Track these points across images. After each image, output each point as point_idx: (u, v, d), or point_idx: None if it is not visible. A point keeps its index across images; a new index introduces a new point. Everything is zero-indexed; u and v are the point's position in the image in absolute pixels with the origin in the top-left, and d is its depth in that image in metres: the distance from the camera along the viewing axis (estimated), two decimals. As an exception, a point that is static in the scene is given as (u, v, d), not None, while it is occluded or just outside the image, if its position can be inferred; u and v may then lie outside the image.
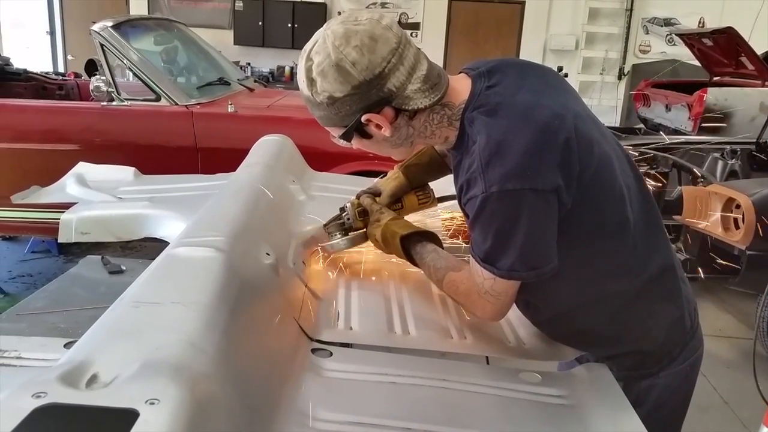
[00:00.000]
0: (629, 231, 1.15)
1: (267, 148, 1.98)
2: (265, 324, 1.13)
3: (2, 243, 4.91)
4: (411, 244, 1.37)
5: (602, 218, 1.13)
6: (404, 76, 1.08)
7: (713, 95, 4.96)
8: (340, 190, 1.90)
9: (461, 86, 1.15)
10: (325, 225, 1.54)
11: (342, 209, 1.52)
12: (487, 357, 1.29)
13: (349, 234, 1.50)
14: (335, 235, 1.51)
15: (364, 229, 1.49)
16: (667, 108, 5.39)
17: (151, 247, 2.04)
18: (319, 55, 1.06)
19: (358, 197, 1.53)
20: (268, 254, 1.29)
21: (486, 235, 1.09)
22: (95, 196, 1.91)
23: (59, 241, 1.73)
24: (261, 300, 1.16)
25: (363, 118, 1.10)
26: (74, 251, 4.77)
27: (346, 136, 1.15)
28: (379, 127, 1.12)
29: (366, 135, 1.15)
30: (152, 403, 0.66)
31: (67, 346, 1.18)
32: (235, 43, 8.83)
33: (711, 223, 3.07)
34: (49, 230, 3.80)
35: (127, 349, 0.80)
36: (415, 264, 1.38)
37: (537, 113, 1.06)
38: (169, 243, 1.64)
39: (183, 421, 0.66)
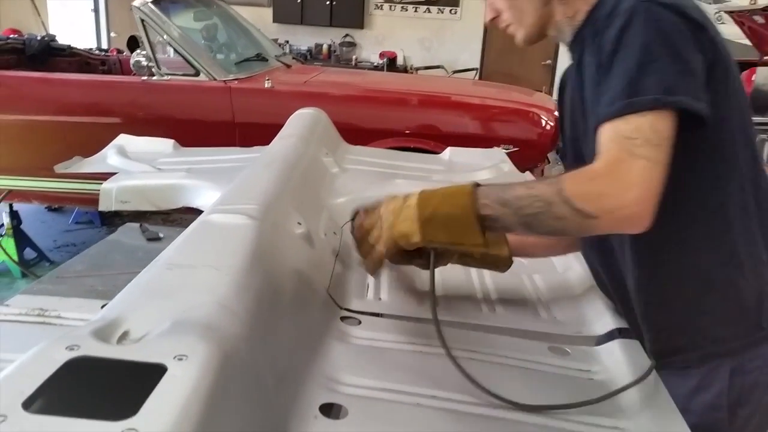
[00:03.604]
0: (760, 192, 1.06)
1: (301, 121, 1.99)
2: (295, 290, 1.14)
3: (48, 213, 5.08)
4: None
5: (734, 152, 1.03)
6: None
7: (763, 75, 4.79)
8: (374, 163, 1.90)
9: None
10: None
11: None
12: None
13: None
14: None
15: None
16: (714, 88, 5.22)
17: (190, 220, 2.06)
18: None
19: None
20: (299, 224, 1.30)
21: (628, 59, 0.92)
22: (135, 166, 1.95)
23: (99, 209, 1.77)
24: (292, 267, 1.17)
25: None
26: (116, 222, 4.90)
27: None
28: None
29: None
30: (180, 359, 0.67)
31: (104, 307, 1.22)
32: (273, 21, 8.84)
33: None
34: (92, 201, 3.91)
35: (159, 308, 0.82)
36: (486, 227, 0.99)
37: None
38: (204, 212, 1.68)
39: (210, 376, 0.67)
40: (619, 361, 1.15)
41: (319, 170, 1.72)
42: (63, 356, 0.67)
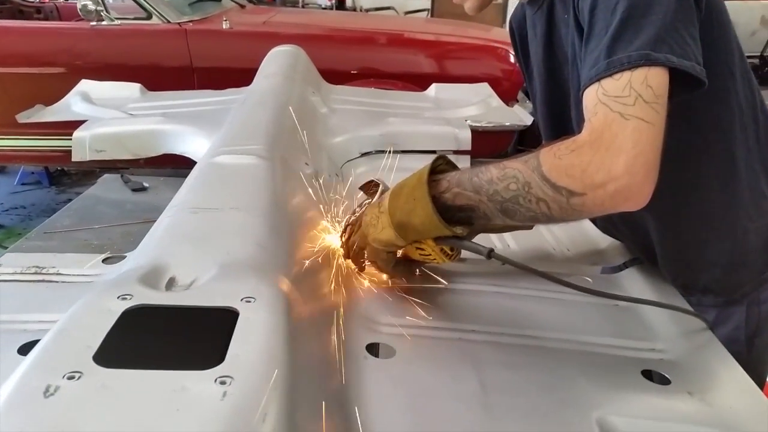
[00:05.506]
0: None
1: (281, 59, 1.89)
2: (313, 231, 1.09)
3: (-11, 176, 4.79)
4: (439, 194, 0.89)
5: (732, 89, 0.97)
6: None
7: None
8: (361, 102, 1.84)
9: None
10: None
11: None
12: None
13: None
14: None
15: None
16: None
17: (159, 172, 1.94)
18: None
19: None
20: (307, 164, 1.24)
21: (612, 13, 0.81)
22: (104, 113, 1.82)
23: (72, 160, 1.65)
24: (309, 209, 1.12)
25: None
26: (65, 182, 4.67)
27: None
28: None
29: None
30: (248, 301, 0.62)
31: (106, 261, 1.14)
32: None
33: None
34: (39, 158, 3.69)
35: (199, 253, 0.76)
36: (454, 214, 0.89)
37: None
38: (187, 158, 1.59)
39: (281, 317, 0.63)
40: (641, 285, 1.15)
41: (309, 110, 1.64)
42: (118, 306, 0.61)
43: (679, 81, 0.80)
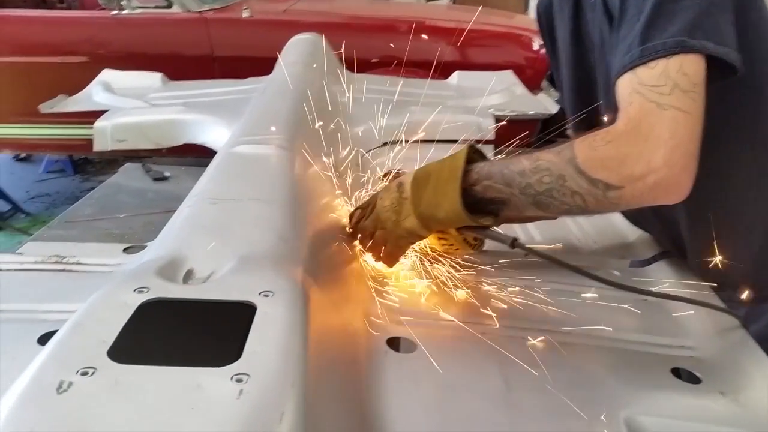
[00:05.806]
0: None
1: (302, 48, 1.87)
2: (331, 222, 1.07)
3: (16, 164, 4.85)
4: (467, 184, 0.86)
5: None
6: None
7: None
8: (382, 91, 1.81)
9: None
10: None
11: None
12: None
13: None
14: None
15: None
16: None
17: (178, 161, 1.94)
18: None
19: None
20: (327, 154, 1.22)
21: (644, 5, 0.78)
22: (126, 102, 1.82)
23: (94, 149, 1.65)
24: (329, 200, 1.10)
25: None
26: (89, 170, 4.72)
27: None
28: None
29: None
30: (266, 296, 0.61)
31: (127, 250, 1.13)
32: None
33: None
34: (63, 147, 3.73)
35: (218, 245, 0.75)
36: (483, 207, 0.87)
37: None
38: (208, 147, 1.58)
39: (300, 312, 0.61)
40: (670, 279, 1.12)
41: (330, 99, 1.62)
42: (134, 300, 0.60)
43: (713, 68, 0.76)
